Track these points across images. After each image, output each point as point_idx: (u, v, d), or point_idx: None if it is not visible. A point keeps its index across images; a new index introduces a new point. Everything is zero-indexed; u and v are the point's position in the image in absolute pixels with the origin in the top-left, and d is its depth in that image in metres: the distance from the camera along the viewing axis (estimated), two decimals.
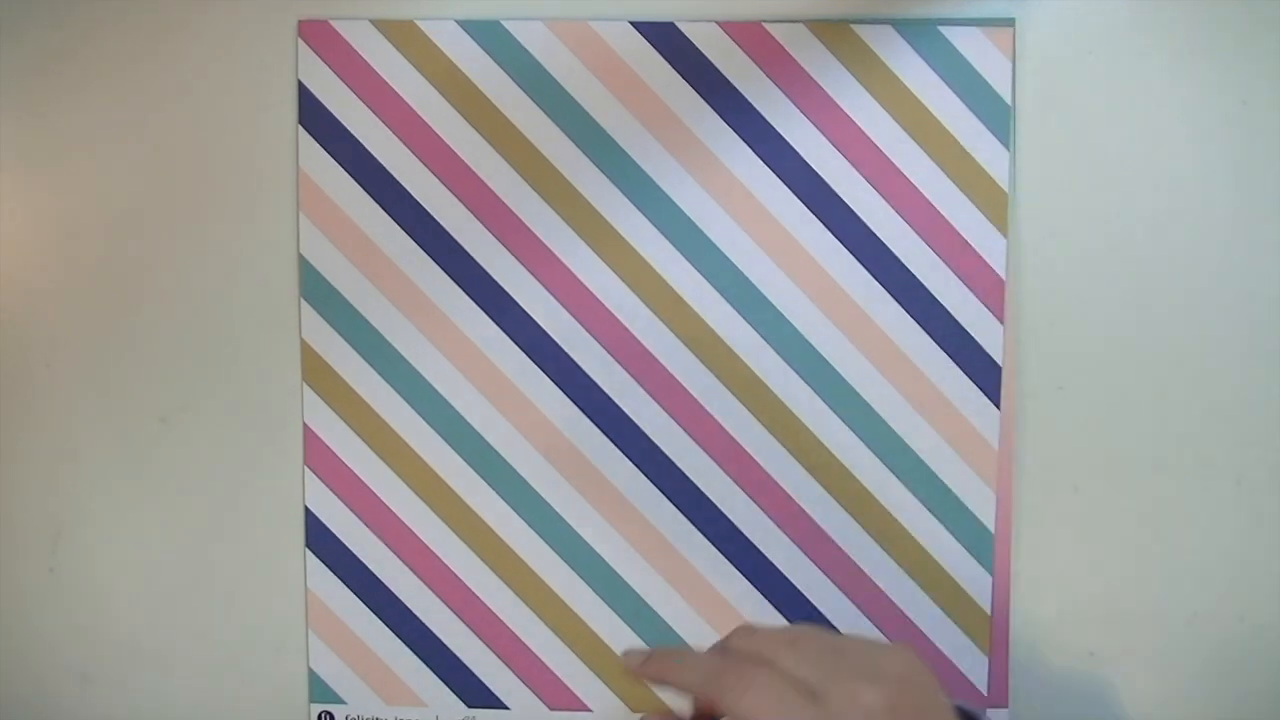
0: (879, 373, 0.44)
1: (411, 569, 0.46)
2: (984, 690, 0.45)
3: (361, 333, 0.45)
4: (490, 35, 0.44)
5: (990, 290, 0.44)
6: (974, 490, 0.45)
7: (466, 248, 0.45)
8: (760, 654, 0.32)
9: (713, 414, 0.45)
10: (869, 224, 0.44)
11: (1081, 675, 0.45)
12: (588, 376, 0.45)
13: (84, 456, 0.46)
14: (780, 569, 0.45)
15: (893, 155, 0.44)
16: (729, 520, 0.45)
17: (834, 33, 0.44)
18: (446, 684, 0.46)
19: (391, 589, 0.46)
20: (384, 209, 0.45)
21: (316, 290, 0.45)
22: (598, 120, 0.44)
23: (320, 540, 0.46)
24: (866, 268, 0.44)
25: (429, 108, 0.44)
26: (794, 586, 0.45)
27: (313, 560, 0.46)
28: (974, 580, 0.45)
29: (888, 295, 0.44)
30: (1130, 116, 0.44)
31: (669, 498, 0.45)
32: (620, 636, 0.46)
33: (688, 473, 0.45)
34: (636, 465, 0.45)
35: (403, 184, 0.45)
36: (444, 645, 0.46)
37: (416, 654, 0.46)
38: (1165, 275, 0.44)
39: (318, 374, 0.45)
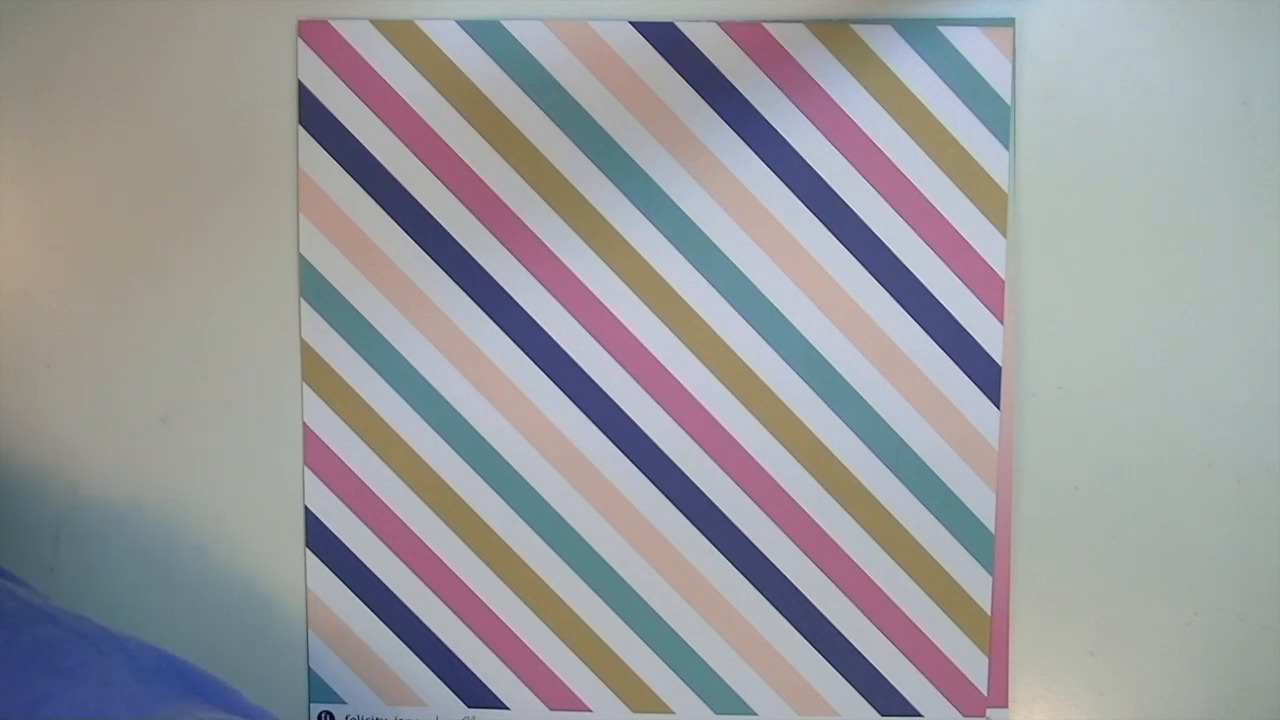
0: (879, 373, 0.45)
1: (411, 569, 0.46)
2: (984, 690, 0.45)
3: (361, 333, 0.45)
4: (490, 35, 0.44)
5: (990, 290, 0.44)
6: (974, 490, 0.45)
7: (466, 247, 0.45)
8: None
9: (712, 413, 0.45)
10: (868, 224, 0.44)
11: (1081, 675, 0.45)
12: (585, 374, 0.45)
13: (84, 456, 0.46)
14: (780, 569, 0.45)
15: (892, 155, 0.44)
16: (729, 520, 0.45)
17: (834, 33, 0.44)
18: (446, 684, 0.46)
19: (391, 589, 0.46)
20: (384, 209, 0.45)
21: (316, 290, 0.45)
22: (597, 120, 0.44)
23: (320, 540, 0.46)
24: (866, 267, 0.44)
25: (429, 108, 0.44)
26: (794, 586, 0.45)
27: (313, 560, 0.46)
28: (974, 580, 0.45)
29: (888, 295, 0.44)
30: (1130, 116, 0.44)
31: (669, 498, 0.45)
32: (620, 636, 0.46)
33: (688, 473, 0.45)
34: (636, 465, 0.45)
35: (403, 184, 0.45)
36: (444, 645, 0.46)
37: (416, 654, 0.46)
38: (1165, 275, 0.44)
39: (318, 374, 0.45)
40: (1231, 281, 0.44)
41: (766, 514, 0.45)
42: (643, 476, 0.45)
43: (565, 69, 0.44)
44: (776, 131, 0.44)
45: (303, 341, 0.45)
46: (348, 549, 0.46)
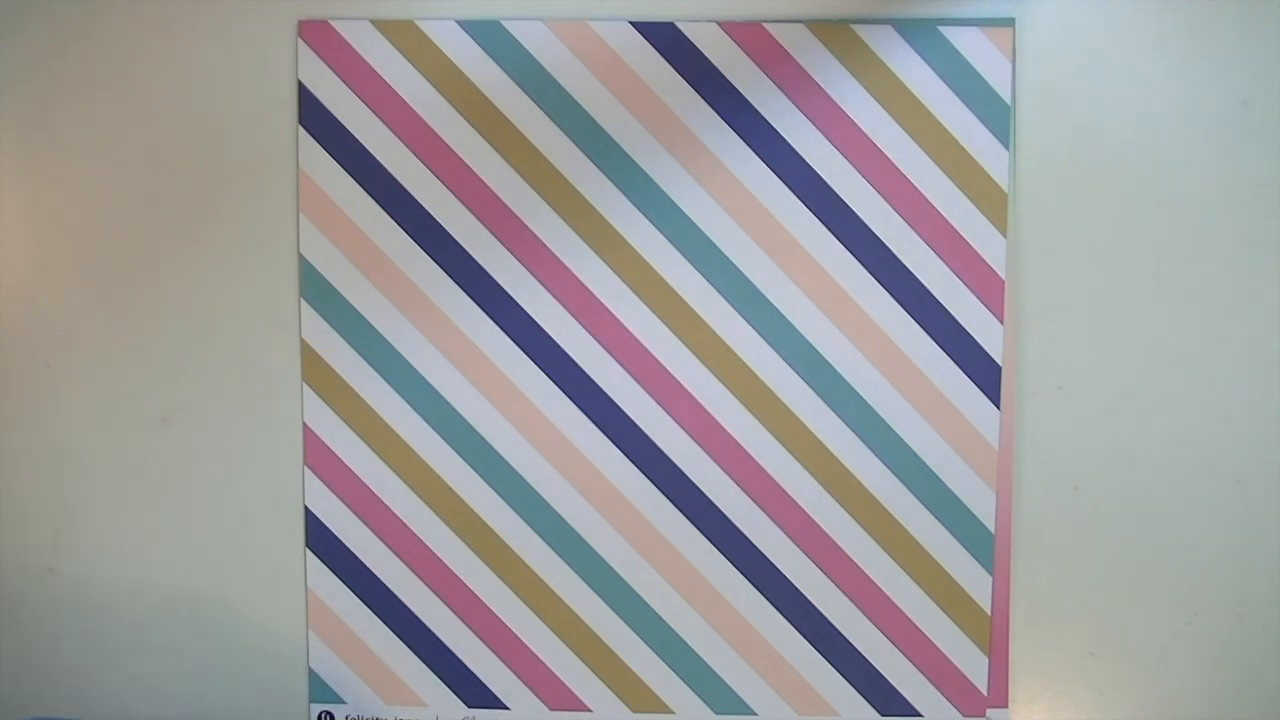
0: (879, 373, 0.45)
1: (411, 569, 0.46)
2: (984, 690, 0.45)
3: (361, 333, 0.45)
4: (490, 35, 0.44)
5: (990, 290, 0.44)
6: (974, 490, 0.45)
7: (466, 247, 0.45)
8: None
9: (712, 413, 0.45)
10: (868, 224, 0.44)
11: (1081, 675, 0.45)
12: (585, 374, 0.45)
13: (84, 456, 0.46)
14: (780, 569, 0.45)
15: (893, 155, 0.44)
16: (729, 520, 0.45)
17: (834, 33, 0.44)
18: (446, 684, 0.46)
19: (391, 589, 0.46)
20: (384, 209, 0.45)
21: (316, 290, 0.45)
22: (597, 120, 0.44)
23: (320, 540, 0.46)
24: (866, 267, 0.44)
25: (429, 108, 0.44)
26: (794, 586, 0.45)
27: (313, 560, 0.46)
28: (974, 580, 0.45)
29: (888, 295, 0.44)
30: (1130, 117, 0.44)
31: (669, 498, 0.45)
32: (620, 636, 0.46)
33: (688, 473, 0.45)
34: (636, 465, 0.45)
35: (403, 184, 0.45)
36: (444, 645, 0.46)
37: (416, 654, 0.46)
38: (1165, 275, 0.44)
39: (318, 374, 0.45)
40: (1231, 281, 0.44)
41: (766, 514, 0.45)
42: (643, 476, 0.45)
43: (565, 69, 0.44)
44: (776, 131, 0.44)
45: (303, 341, 0.45)
46: (348, 549, 0.46)
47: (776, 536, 0.45)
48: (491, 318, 0.45)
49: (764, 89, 0.44)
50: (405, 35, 0.44)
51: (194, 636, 0.46)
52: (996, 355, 0.44)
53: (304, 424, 0.46)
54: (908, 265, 0.44)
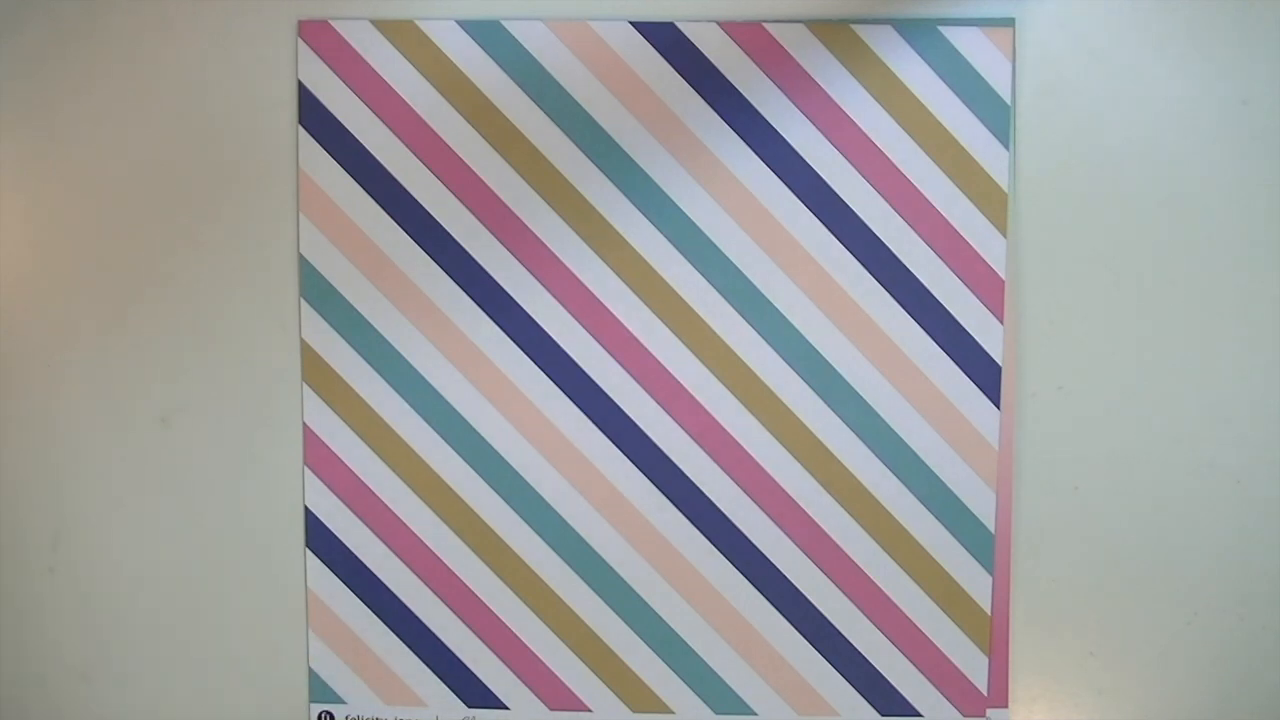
0: (879, 373, 0.45)
1: (411, 569, 0.46)
2: (984, 690, 0.45)
3: (361, 333, 0.45)
4: (490, 35, 0.44)
5: (990, 290, 0.44)
6: (974, 490, 0.45)
7: (466, 247, 0.45)
8: None
9: (712, 413, 0.45)
10: (868, 224, 0.44)
11: (1081, 675, 0.45)
12: (585, 374, 0.45)
13: (84, 456, 0.46)
14: (780, 569, 0.45)
15: (892, 155, 0.44)
16: (729, 520, 0.45)
17: (834, 33, 0.44)
18: (446, 684, 0.46)
19: (391, 589, 0.46)
20: (384, 209, 0.45)
21: (316, 290, 0.45)
22: (597, 120, 0.44)
23: (320, 540, 0.46)
24: (866, 267, 0.44)
25: (429, 108, 0.44)
26: (794, 586, 0.45)
27: (313, 560, 0.46)
28: (974, 580, 0.45)
29: (888, 295, 0.44)
30: (1130, 117, 0.44)
31: (669, 498, 0.45)
32: (620, 636, 0.46)
33: (688, 473, 0.45)
34: (636, 465, 0.45)
35: (403, 184, 0.45)
36: (444, 645, 0.46)
37: (416, 654, 0.46)
38: (1165, 275, 0.44)
39: (318, 374, 0.45)
40: (1231, 281, 0.44)
41: (766, 514, 0.45)
42: (643, 476, 0.45)
43: (565, 69, 0.44)
44: (776, 131, 0.44)
45: (303, 341, 0.45)
46: (348, 549, 0.46)
47: (776, 536, 0.45)
48: (491, 318, 0.45)
49: (764, 89, 0.44)
50: (405, 35, 0.44)
51: (194, 636, 0.46)
52: (996, 355, 0.44)
53: (304, 424, 0.46)
54: (908, 265, 0.44)
